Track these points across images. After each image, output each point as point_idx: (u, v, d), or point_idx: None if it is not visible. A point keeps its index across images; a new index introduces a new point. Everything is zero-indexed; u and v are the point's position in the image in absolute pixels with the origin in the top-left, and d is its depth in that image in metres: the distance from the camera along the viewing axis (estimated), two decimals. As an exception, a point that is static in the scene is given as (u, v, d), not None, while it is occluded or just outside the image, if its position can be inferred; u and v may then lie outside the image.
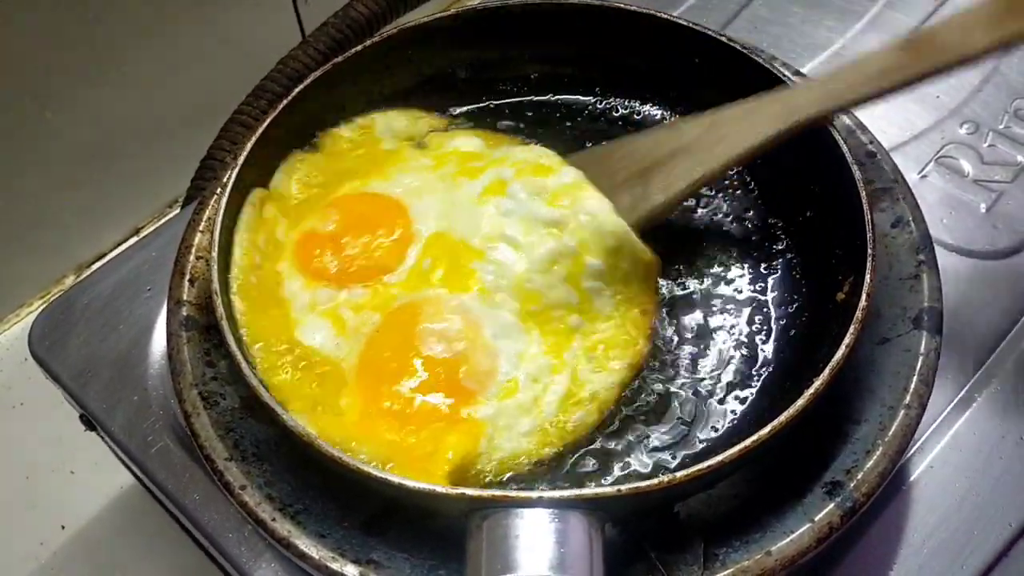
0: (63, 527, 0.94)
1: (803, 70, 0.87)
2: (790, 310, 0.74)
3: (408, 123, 0.86)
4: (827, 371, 0.60)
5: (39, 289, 1.10)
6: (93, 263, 1.12)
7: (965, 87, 0.99)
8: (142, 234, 1.12)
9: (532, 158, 0.77)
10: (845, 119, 0.81)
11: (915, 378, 0.66)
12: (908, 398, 0.65)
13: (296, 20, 1.17)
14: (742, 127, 0.73)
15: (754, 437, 0.57)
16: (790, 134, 0.71)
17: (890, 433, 0.64)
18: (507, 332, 0.69)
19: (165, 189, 1.16)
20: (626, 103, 0.89)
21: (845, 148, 0.71)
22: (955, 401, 0.77)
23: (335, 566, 0.60)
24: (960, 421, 0.76)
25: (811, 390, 0.59)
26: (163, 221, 0.98)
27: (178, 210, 1.12)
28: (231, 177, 0.73)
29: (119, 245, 1.13)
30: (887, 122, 0.91)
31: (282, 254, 0.75)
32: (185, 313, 0.72)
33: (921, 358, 0.67)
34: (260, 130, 0.75)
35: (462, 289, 0.70)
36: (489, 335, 0.69)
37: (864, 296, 0.63)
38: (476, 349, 0.68)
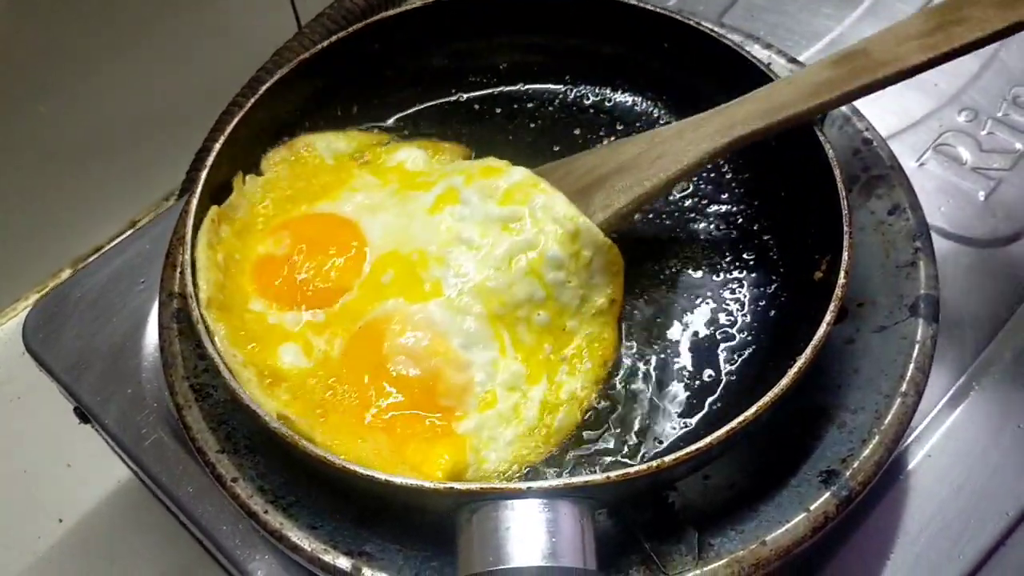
0: (60, 520, 0.94)
1: (800, 58, 0.87)
2: (768, 291, 0.74)
3: (347, 142, 0.84)
4: (809, 350, 0.60)
5: (35, 283, 1.10)
6: (89, 256, 1.12)
7: (964, 74, 0.98)
8: (138, 227, 1.12)
9: (480, 164, 0.76)
10: (842, 107, 0.80)
11: (911, 366, 0.66)
12: (904, 386, 0.65)
13: (292, 11, 1.17)
14: (679, 145, 0.72)
15: (740, 418, 0.56)
16: (728, 150, 0.71)
17: (886, 421, 0.64)
18: (476, 339, 0.68)
19: (161, 181, 1.16)
20: (596, 91, 0.89)
21: (816, 125, 0.71)
22: (952, 390, 0.76)
23: (327, 558, 0.60)
24: (957, 410, 0.75)
25: (794, 369, 0.59)
26: (159, 213, 0.98)
27: (174, 202, 1.12)
28: (200, 179, 0.72)
29: (115, 238, 1.13)
30: (884, 109, 0.90)
31: (244, 273, 0.73)
32: (177, 306, 0.72)
33: (917, 346, 0.67)
34: (227, 131, 0.75)
35: (424, 298, 0.69)
36: (459, 346, 0.68)
37: (843, 273, 0.63)
38: (448, 364, 0.67)
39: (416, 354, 0.67)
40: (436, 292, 0.69)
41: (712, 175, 0.81)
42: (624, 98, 0.88)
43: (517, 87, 0.89)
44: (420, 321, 0.68)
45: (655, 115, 0.86)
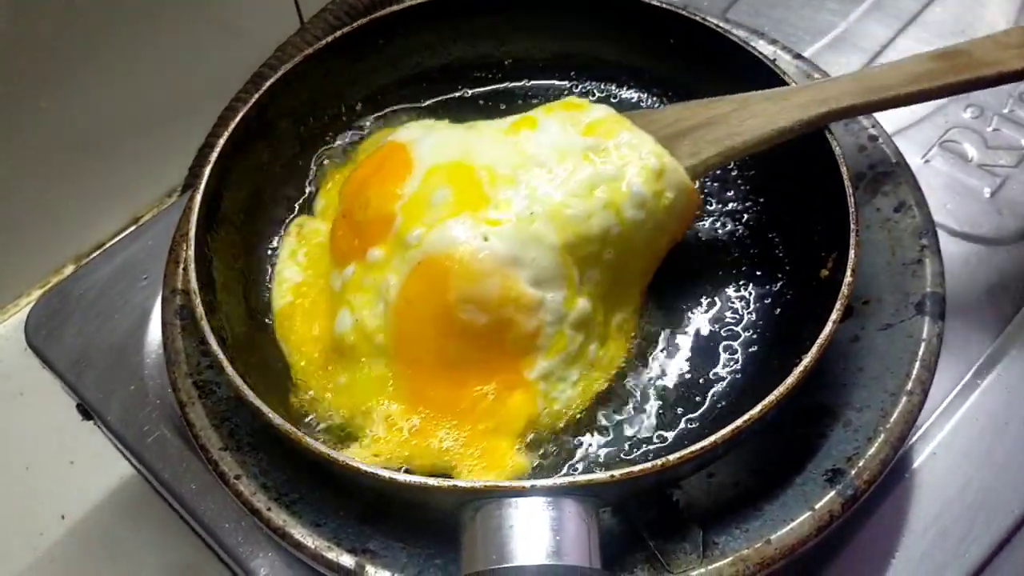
0: (63, 517, 0.94)
1: (805, 54, 0.86)
2: (773, 289, 0.73)
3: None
4: (815, 348, 0.59)
5: (38, 279, 1.10)
6: (92, 253, 1.12)
7: (969, 70, 0.98)
8: (141, 223, 1.12)
9: (559, 101, 0.74)
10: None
11: (917, 364, 0.66)
12: (910, 384, 0.65)
13: (294, 7, 1.17)
14: (772, 109, 0.71)
15: (745, 417, 0.56)
16: (819, 123, 0.70)
17: (892, 420, 0.63)
18: (548, 275, 0.64)
19: (164, 178, 1.16)
20: (602, 87, 0.88)
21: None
22: (958, 388, 0.76)
23: (331, 556, 0.60)
24: (963, 408, 0.75)
25: (799, 368, 0.58)
26: (163, 210, 0.98)
27: (176, 198, 1.12)
28: (204, 175, 0.71)
29: (118, 235, 1.13)
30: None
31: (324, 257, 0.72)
32: (180, 302, 0.71)
33: (923, 344, 0.66)
34: (232, 127, 0.74)
35: (491, 221, 0.63)
36: (529, 282, 0.63)
37: (849, 271, 0.63)
38: (519, 309, 0.63)
39: (485, 301, 0.63)
40: (508, 213, 0.64)
41: (718, 172, 0.81)
42: (629, 94, 0.87)
43: (522, 83, 0.89)
44: (487, 260, 0.63)
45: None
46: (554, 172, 0.66)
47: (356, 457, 0.61)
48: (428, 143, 0.70)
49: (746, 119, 0.72)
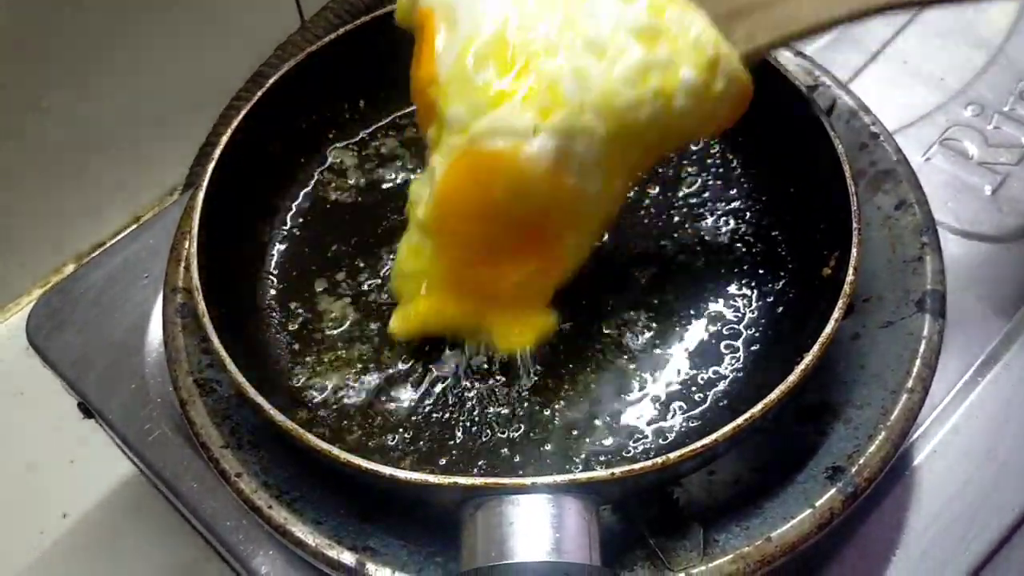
0: (64, 516, 0.94)
1: (806, 52, 0.86)
2: (776, 287, 0.73)
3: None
4: (816, 347, 0.59)
5: (39, 279, 1.10)
6: (92, 252, 1.12)
7: (970, 68, 0.98)
8: (142, 222, 1.12)
9: None
10: (848, 100, 0.80)
11: (918, 361, 0.65)
12: (911, 382, 0.65)
13: (295, 5, 1.17)
14: None
15: (746, 415, 0.56)
16: (888, 7, 0.65)
17: (892, 417, 0.63)
18: (592, 166, 0.61)
19: (165, 177, 1.16)
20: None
21: (826, 121, 0.70)
22: (959, 385, 0.76)
23: (332, 553, 0.60)
24: (964, 406, 0.75)
25: (801, 366, 0.58)
26: (163, 209, 0.98)
27: (177, 197, 1.12)
28: (206, 173, 0.72)
29: (118, 234, 1.13)
30: (890, 104, 0.90)
31: None
32: (181, 300, 0.71)
33: (924, 341, 0.66)
34: (233, 125, 0.75)
35: (543, 111, 0.58)
36: (574, 174, 0.60)
37: (851, 269, 0.62)
38: (562, 203, 0.61)
39: (529, 193, 0.60)
40: (556, 101, 0.59)
41: (720, 170, 0.81)
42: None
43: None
44: (535, 153, 0.59)
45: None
46: (606, 53, 0.60)
47: (396, 320, 0.67)
48: (465, 7, 0.64)
49: (804, 3, 0.66)
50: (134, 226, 1.08)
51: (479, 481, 0.55)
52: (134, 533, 0.92)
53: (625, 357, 0.70)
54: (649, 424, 0.67)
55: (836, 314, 0.61)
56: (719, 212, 0.78)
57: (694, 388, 0.69)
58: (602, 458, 0.66)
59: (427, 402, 0.69)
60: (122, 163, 1.09)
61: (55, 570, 0.92)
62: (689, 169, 0.81)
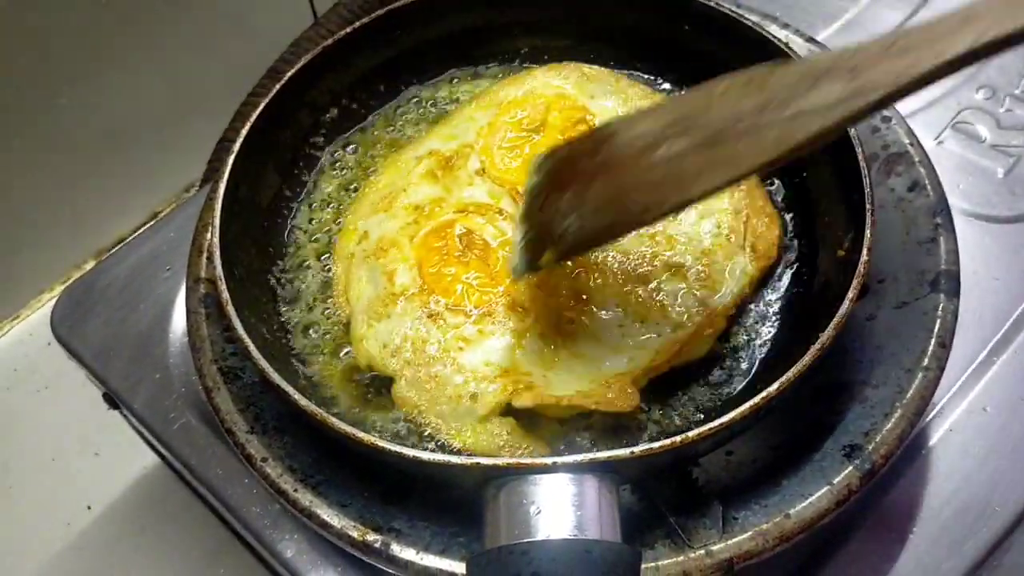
0: (89, 507, 0.95)
1: (818, 38, 0.87)
2: (791, 270, 0.74)
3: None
4: (831, 326, 0.60)
5: (60, 275, 1.11)
6: (112, 248, 1.13)
7: (981, 52, 0.98)
8: (161, 217, 1.13)
9: None
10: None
11: (933, 340, 0.66)
12: (926, 360, 0.65)
13: (308, 2, 1.18)
14: (929, 43, 0.52)
15: (762, 394, 0.57)
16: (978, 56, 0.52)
17: (908, 395, 0.64)
18: None
19: (183, 173, 1.17)
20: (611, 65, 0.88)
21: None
22: (974, 365, 0.76)
23: (356, 535, 0.61)
24: (979, 385, 0.75)
25: (816, 346, 0.59)
26: (182, 203, 0.99)
27: (195, 192, 1.13)
28: (227, 165, 0.72)
29: (138, 229, 1.14)
30: (902, 88, 0.90)
31: None
32: (204, 290, 0.72)
33: (939, 320, 0.67)
34: (254, 117, 0.76)
35: None
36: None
37: (865, 250, 0.63)
38: None
39: None
40: None
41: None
42: (645, 79, 0.88)
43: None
44: None
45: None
46: None
47: None
48: None
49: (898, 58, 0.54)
50: (153, 221, 1.09)
51: (501, 461, 0.56)
52: (158, 523, 0.93)
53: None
54: (666, 405, 0.68)
55: (850, 294, 0.61)
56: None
57: (710, 369, 0.69)
58: (620, 437, 0.66)
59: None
60: (140, 160, 1.10)
61: (81, 561, 0.93)
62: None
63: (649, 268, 0.70)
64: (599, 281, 0.70)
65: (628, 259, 0.71)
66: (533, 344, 0.67)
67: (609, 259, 0.71)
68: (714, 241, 0.72)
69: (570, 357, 0.67)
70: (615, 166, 0.57)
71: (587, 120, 0.79)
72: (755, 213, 0.74)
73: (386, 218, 0.76)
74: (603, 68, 0.85)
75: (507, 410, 0.66)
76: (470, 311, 0.69)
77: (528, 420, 0.66)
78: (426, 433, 0.66)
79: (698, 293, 0.69)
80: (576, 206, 0.60)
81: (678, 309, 0.69)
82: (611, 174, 0.58)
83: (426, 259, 0.72)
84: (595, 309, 0.69)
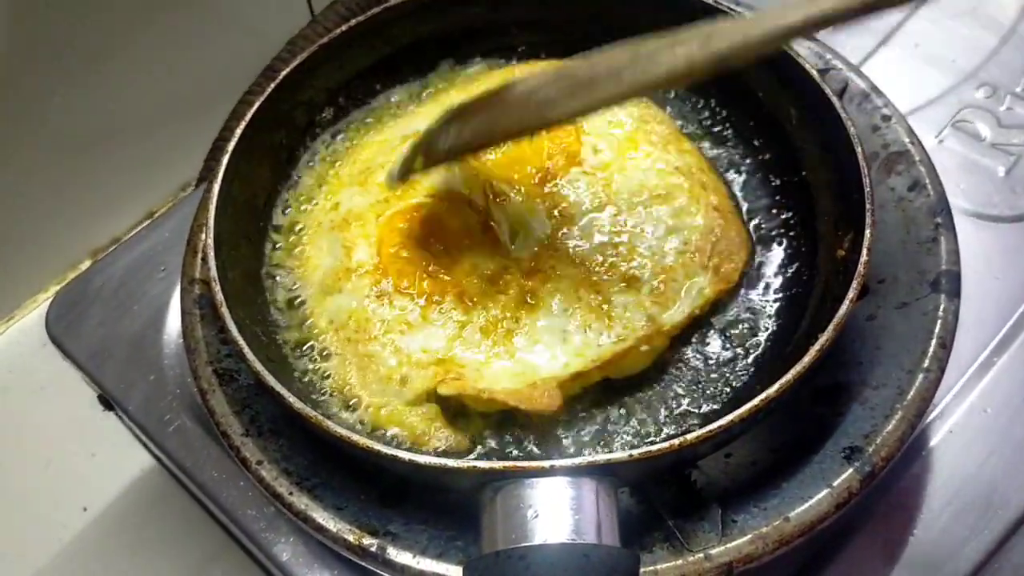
0: (85, 509, 0.95)
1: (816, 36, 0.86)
2: (790, 269, 0.73)
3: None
4: (831, 327, 0.59)
5: (56, 275, 1.11)
6: (108, 248, 1.12)
7: (981, 50, 0.98)
8: (156, 217, 1.13)
9: None
10: (859, 82, 0.80)
11: (933, 341, 0.66)
12: (927, 361, 0.65)
13: (305, 0, 1.17)
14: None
15: (761, 396, 0.56)
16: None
17: (908, 397, 0.63)
18: None
19: (179, 172, 1.16)
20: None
21: (838, 103, 0.70)
22: (974, 367, 0.76)
23: (352, 538, 0.60)
24: (979, 386, 0.75)
25: (816, 347, 0.59)
26: (177, 204, 0.99)
27: (191, 192, 1.12)
28: (222, 164, 0.72)
29: (133, 229, 1.13)
30: (902, 87, 0.89)
31: None
32: (199, 291, 0.72)
33: (939, 321, 0.67)
34: (248, 117, 0.75)
35: None
36: None
37: (865, 250, 0.62)
38: None
39: None
40: None
41: (736, 153, 0.81)
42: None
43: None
44: None
45: (670, 94, 0.86)
46: None
47: None
48: None
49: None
50: (148, 222, 1.09)
51: (498, 465, 0.55)
52: (154, 526, 0.93)
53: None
54: (665, 407, 0.67)
55: (850, 295, 0.61)
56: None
57: (709, 371, 0.69)
58: (618, 440, 0.66)
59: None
60: (135, 159, 1.10)
61: (77, 563, 0.93)
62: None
63: (606, 277, 0.70)
64: (550, 285, 0.69)
65: (586, 266, 0.70)
66: (473, 337, 0.68)
67: (567, 264, 0.70)
68: (677, 258, 0.71)
69: (506, 355, 0.67)
70: (499, 106, 0.66)
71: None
72: (726, 236, 0.73)
73: (359, 192, 0.76)
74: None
75: (435, 398, 0.66)
76: (418, 297, 0.69)
77: (455, 412, 0.66)
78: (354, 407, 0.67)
79: (649, 308, 0.69)
80: (459, 131, 0.68)
81: (624, 321, 0.68)
82: (493, 111, 0.66)
83: (387, 239, 0.72)
84: (541, 311, 0.69)
